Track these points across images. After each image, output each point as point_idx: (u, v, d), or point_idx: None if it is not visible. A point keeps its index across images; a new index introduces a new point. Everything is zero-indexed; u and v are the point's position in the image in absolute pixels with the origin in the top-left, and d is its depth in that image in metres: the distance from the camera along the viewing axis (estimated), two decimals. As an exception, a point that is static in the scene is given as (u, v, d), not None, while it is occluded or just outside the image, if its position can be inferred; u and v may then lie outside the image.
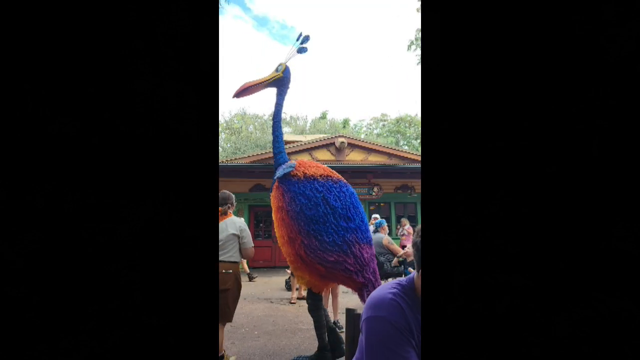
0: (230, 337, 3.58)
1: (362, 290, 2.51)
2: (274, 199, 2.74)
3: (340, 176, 2.79)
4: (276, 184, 2.72)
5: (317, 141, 11.21)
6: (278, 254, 9.00)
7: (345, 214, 2.52)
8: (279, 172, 2.74)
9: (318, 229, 2.47)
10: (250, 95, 3.04)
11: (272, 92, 3.15)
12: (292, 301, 5.19)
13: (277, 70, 3.02)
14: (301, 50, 3.10)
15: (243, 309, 4.85)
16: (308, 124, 25.19)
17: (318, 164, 2.85)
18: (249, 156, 11.58)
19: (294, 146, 11.08)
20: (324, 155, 10.93)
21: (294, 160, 2.80)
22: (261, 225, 10.23)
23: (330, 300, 3.94)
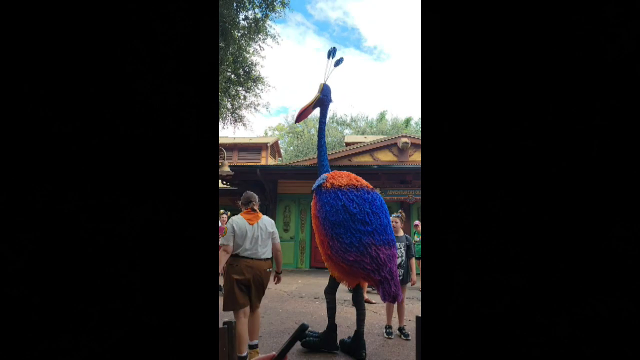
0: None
1: (379, 286, 2.87)
2: (312, 207, 3.20)
3: (365, 184, 3.14)
4: (313, 194, 3.20)
5: (378, 142, 10.96)
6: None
7: (363, 218, 2.86)
8: (315, 184, 3.22)
9: (340, 232, 2.86)
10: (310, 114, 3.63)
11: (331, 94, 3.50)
12: None
13: (318, 92, 3.51)
14: (337, 63, 3.43)
15: (308, 308, 4.87)
16: (371, 124, 25.26)
17: (349, 175, 3.23)
18: (310, 158, 11.56)
19: (354, 147, 10.87)
20: (385, 156, 10.64)
21: (326, 174, 3.23)
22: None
23: (395, 306, 3.84)
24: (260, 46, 8.59)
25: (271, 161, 14.87)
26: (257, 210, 3.04)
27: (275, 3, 7.75)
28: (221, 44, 7.56)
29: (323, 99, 3.45)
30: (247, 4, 7.60)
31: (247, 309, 2.89)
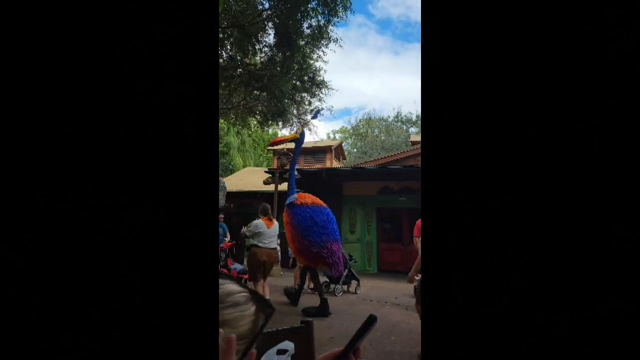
0: (367, 338, 3.80)
1: (331, 267, 4.68)
2: (284, 217, 4.93)
3: (321, 203, 4.93)
4: (286, 208, 4.94)
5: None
6: (409, 257, 8.60)
7: (322, 224, 4.66)
8: (287, 201, 4.96)
9: (307, 234, 4.61)
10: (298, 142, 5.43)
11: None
12: None
13: (296, 132, 5.44)
14: (315, 116, 5.94)
15: (378, 311, 4.88)
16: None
17: (311, 196, 5.04)
18: (375, 159, 11.42)
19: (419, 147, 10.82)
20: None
21: (295, 195, 4.97)
22: (388, 227, 9.64)
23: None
24: (323, 51, 8.69)
25: (335, 164, 14.92)
26: (272, 219, 4.85)
27: (337, 8, 7.71)
28: (287, 54, 7.71)
29: (299, 139, 5.26)
30: (310, 12, 7.60)
31: (262, 280, 4.67)
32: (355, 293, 6.25)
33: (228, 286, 0.67)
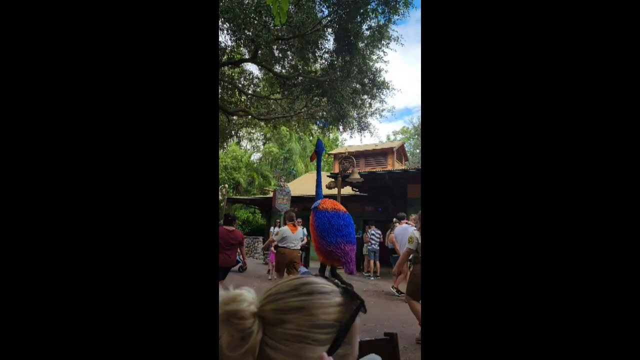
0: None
1: (344, 266, 4.89)
2: (310, 219, 5.06)
3: (341, 208, 5.47)
4: (311, 212, 4.97)
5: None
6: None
7: (338, 227, 5.27)
8: (312, 206, 5.04)
9: (324, 235, 5.05)
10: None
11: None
12: None
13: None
14: (323, 125, 5.94)
15: None
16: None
17: (332, 201, 5.77)
18: None
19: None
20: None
21: (319, 201, 5.19)
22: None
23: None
24: (384, 52, 8.43)
25: (397, 165, 14.72)
26: (296, 225, 5.72)
27: (398, 5, 7.49)
28: (347, 58, 7.56)
29: (317, 149, 5.74)
30: (370, 13, 7.45)
31: (285, 273, 5.56)
32: None
33: (311, 278, 0.70)
